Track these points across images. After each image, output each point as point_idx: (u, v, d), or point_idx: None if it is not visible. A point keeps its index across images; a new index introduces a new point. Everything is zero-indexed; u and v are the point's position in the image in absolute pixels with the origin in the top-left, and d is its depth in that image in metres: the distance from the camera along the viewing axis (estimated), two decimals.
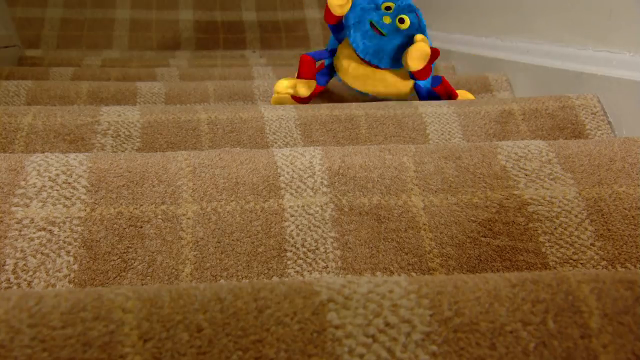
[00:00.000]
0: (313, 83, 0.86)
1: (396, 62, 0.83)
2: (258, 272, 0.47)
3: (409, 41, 0.82)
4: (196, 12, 2.09)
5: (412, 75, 0.84)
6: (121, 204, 0.48)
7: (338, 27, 0.89)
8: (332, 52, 0.90)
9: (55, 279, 0.44)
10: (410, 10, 0.84)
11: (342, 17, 0.87)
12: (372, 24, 0.83)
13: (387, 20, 0.82)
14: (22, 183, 0.48)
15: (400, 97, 0.88)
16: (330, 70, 0.90)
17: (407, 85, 0.87)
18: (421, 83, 0.87)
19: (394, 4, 0.84)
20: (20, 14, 1.95)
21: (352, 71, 0.86)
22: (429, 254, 0.49)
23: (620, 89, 0.74)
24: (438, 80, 0.87)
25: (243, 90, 0.94)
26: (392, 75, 0.85)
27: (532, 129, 0.74)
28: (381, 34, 0.82)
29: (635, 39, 0.73)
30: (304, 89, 0.85)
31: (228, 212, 0.49)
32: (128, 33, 1.97)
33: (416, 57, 0.79)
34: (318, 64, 0.93)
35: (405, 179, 0.53)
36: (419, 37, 0.81)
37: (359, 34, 0.84)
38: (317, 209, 0.50)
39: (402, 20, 0.82)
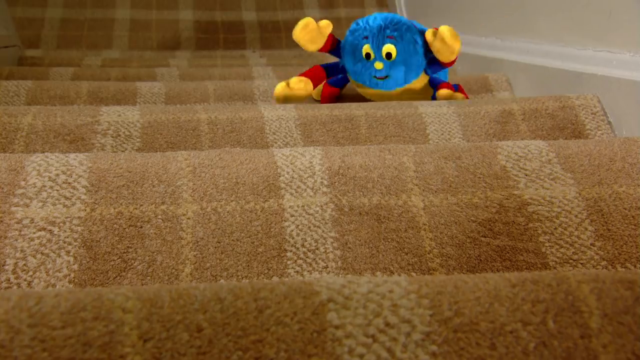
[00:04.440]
0: (309, 81, 0.86)
1: (408, 81, 0.84)
2: (258, 272, 0.47)
3: (409, 63, 0.82)
4: (196, 12, 2.09)
5: (437, 65, 0.83)
6: (121, 204, 0.48)
7: (334, 53, 0.89)
8: (344, 69, 0.90)
9: (55, 279, 0.44)
10: (384, 34, 0.83)
11: (331, 46, 0.88)
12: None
13: (379, 66, 0.82)
14: (22, 183, 0.48)
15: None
16: (346, 79, 0.91)
17: (420, 88, 0.87)
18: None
19: (369, 45, 0.82)
20: (20, 14, 1.95)
21: (363, 91, 0.87)
22: (429, 254, 0.49)
23: (620, 89, 0.74)
24: (455, 87, 0.87)
25: (243, 90, 0.94)
26: (405, 90, 0.86)
27: (532, 129, 0.74)
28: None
29: (635, 39, 0.73)
30: (299, 83, 0.84)
31: (228, 212, 0.49)
32: (128, 33, 1.97)
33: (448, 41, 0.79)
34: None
35: (405, 179, 0.53)
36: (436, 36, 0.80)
37: (365, 81, 0.85)
38: (317, 209, 0.50)
39: (389, 55, 0.82)
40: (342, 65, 0.89)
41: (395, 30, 0.81)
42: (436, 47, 0.79)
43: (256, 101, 0.94)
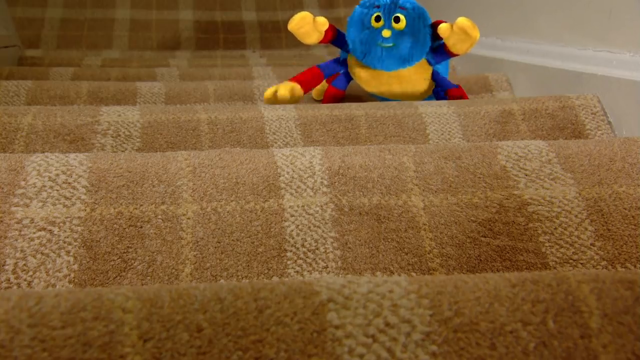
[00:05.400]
0: (297, 88, 0.86)
1: (412, 58, 0.83)
2: (258, 272, 0.47)
3: (416, 37, 0.82)
4: (196, 12, 2.09)
5: (444, 52, 0.84)
6: (121, 204, 0.48)
7: (336, 43, 0.89)
8: (345, 62, 0.90)
9: (55, 279, 0.44)
10: (397, 4, 0.82)
11: (332, 37, 0.87)
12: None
13: (387, 34, 0.82)
14: (22, 183, 0.48)
15: (417, 95, 0.88)
16: (347, 76, 0.91)
17: (422, 80, 0.86)
18: (440, 90, 0.87)
19: (380, 12, 0.82)
20: (20, 14, 1.95)
21: (364, 75, 0.87)
22: (429, 254, 0.49)
23: (620, 89, 0.74)
24: (455, 86, 0.87)
25: (243, 90, 0.94)
26: (405, 71, 0.85)
27: (532, 129, 0.74)
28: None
29: (635, 39, 0.73)
30: (285, 90, 0.84)
31: (228, 212, 0.49)
32: (128, 33, 1.97)
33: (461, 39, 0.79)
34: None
35: (405, 179, 0.53)
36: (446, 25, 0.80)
37: (368, 58, 0.84)
38: (317, 209, 0.50)
39: (397, 20, 0.82)
40: (343, 59, 0.89)
41: (408, 3, 0.82)
42: (454, 39, 0.79)
43: (256, 101, 0.94)
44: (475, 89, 1.02)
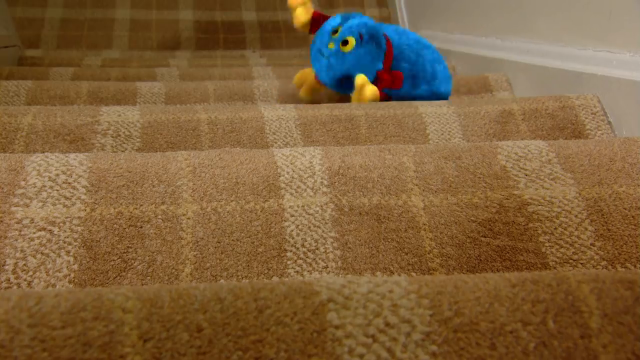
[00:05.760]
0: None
1: (347, 88, 0.84)
2: (258, 272, 0.47)
3: (357, 65, 0.82)
4: (196, 12, 2.09)
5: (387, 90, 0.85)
6: (121, 204, 0.48)
7: None
8: None
9: (55, 279, 0.44)
10: (358, 29, 0.82)
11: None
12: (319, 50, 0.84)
13: (330, 46, 0.83)
14: (22, 183, 0.48)
15: None
16: None
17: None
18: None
19: (340, 27, 0.83)
20: (20, 14, 1.95)
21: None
22: (429, 254, 0.49)
23: (620, 89, 0.74)
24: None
25: (243, 90, 0.94)
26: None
27: (532, 129, 0.74)
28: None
29: (635, 39, 0.73)
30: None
31: (228, 212, 0.49)
32: (128, 33, 1.97)
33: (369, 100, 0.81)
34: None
35: (405, 179, 0.53)
36: (358, 81, 0.81)
37: (312, 58, 0.87)
38: (317, 209, 0.50)
39: (345, 43, 0.82)
40: None
41: (362, 29, 0.82)
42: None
43: (256, 101, 0.94)
44: (475, 89, 1.02)
